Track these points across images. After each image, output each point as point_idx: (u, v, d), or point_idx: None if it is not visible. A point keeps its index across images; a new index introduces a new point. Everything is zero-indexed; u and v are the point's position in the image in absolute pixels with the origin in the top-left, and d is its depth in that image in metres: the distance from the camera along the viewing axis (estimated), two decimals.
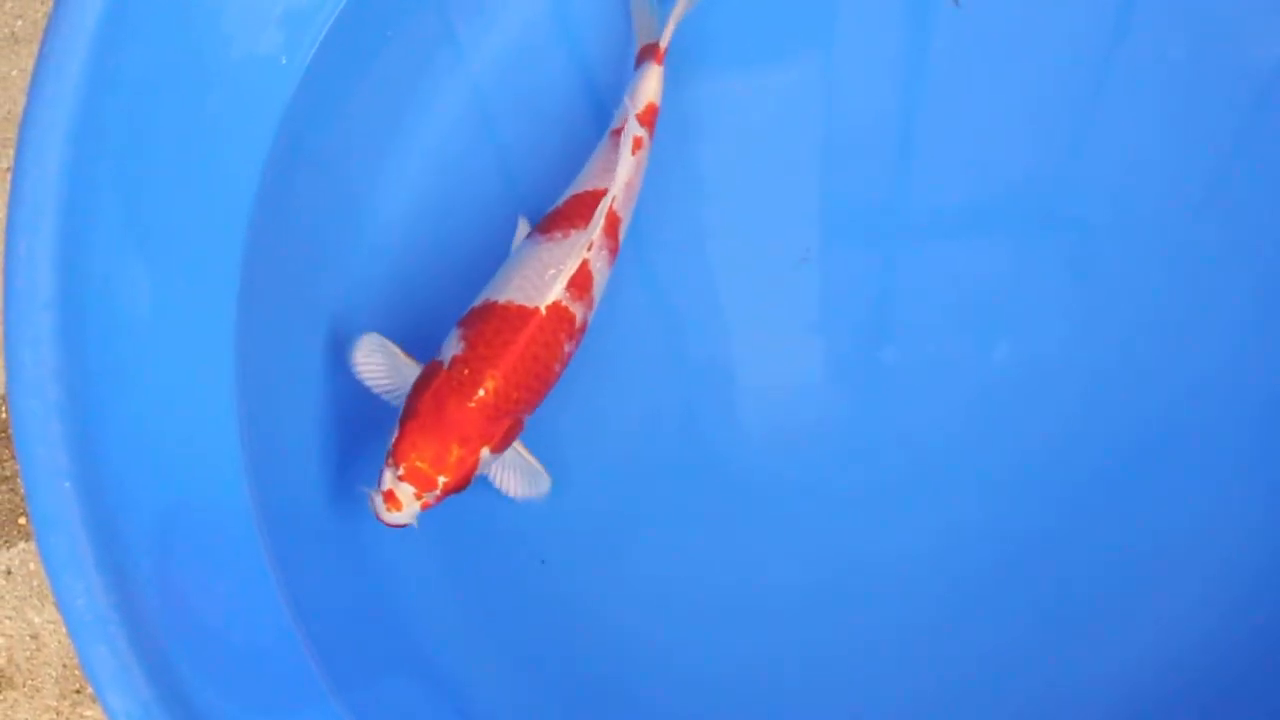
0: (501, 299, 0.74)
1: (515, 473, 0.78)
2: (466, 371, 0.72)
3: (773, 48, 0.88)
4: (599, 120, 0.85)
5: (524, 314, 0.73)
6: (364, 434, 0.84)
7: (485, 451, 0.73)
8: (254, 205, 0.82)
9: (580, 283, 0.75)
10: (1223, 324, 0.85)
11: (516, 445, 0.77)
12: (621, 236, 0.79)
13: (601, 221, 0.76)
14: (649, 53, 0.82)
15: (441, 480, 0.72)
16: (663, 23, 0.82)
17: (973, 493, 0.84)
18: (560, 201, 0.79)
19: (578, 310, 0.76)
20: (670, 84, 0.83)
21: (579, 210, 0.77)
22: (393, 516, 0.72)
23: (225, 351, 0.80)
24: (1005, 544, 0.84)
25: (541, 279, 0.74)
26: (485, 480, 0.79)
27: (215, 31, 0.79)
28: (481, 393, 0.72)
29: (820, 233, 0.87)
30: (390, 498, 0.71)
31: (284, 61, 0.82)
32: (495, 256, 0.81)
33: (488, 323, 0.74)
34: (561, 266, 0.75)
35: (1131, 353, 0.85)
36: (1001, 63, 0.86)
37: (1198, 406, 0.84)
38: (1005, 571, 0.83)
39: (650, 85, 0.81)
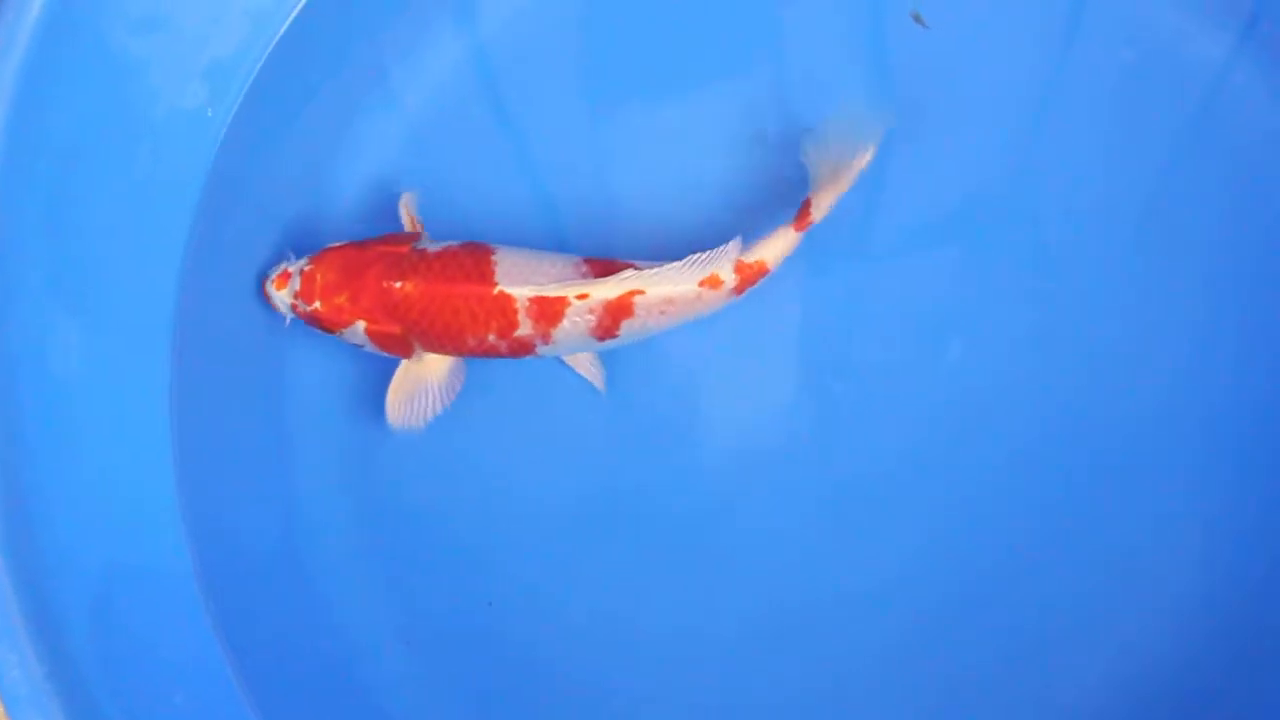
0: (494, 256, 0.77)
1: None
2: (409, 268, 0.77)
3: (720, 66, 0.87)
4: (527, 158, 0.86)
5: (482, 276, 0.76)
6: (308, 483, 0.83)
7: (360, 325, 0.77)
8: (185, 258, 0.81)
9: (545, 314, 0.76)
10: (1177, 336, 0.85)
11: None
12: (624, 335, 0.78)
13: (607, 292, 0.76)
14: (799, 215, 0.78)
15: (316, 305, 0.78)
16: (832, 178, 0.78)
17: (924, 521, 0.84)
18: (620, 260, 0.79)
19: (525, 325, 0.77)
20: (604, 110, 0.84)
21: (612, 270, 0.77)
22: (270, 289, 0.79)
23: (160, 408, 0.80)
24: (963, 572, 0.83)
25: (520, 273, 0.77)
26: (432, 520, 0.81)
27: (140, 88, 0.79)
28: (400, 286, 0.76)
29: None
30: (283, 279, 0.79)
31: (210, 114, 0.81)
32: None
33: (459, 259, 0.77)
34: (541, 284, 0.76)
35: (1089, 367, 0.85)
36: (955, 81, 0.87)
37: (1154, 422, 0.84)
38: (960, 603, 0.83)
39: (775, 247, 0.77)
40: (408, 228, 0.81)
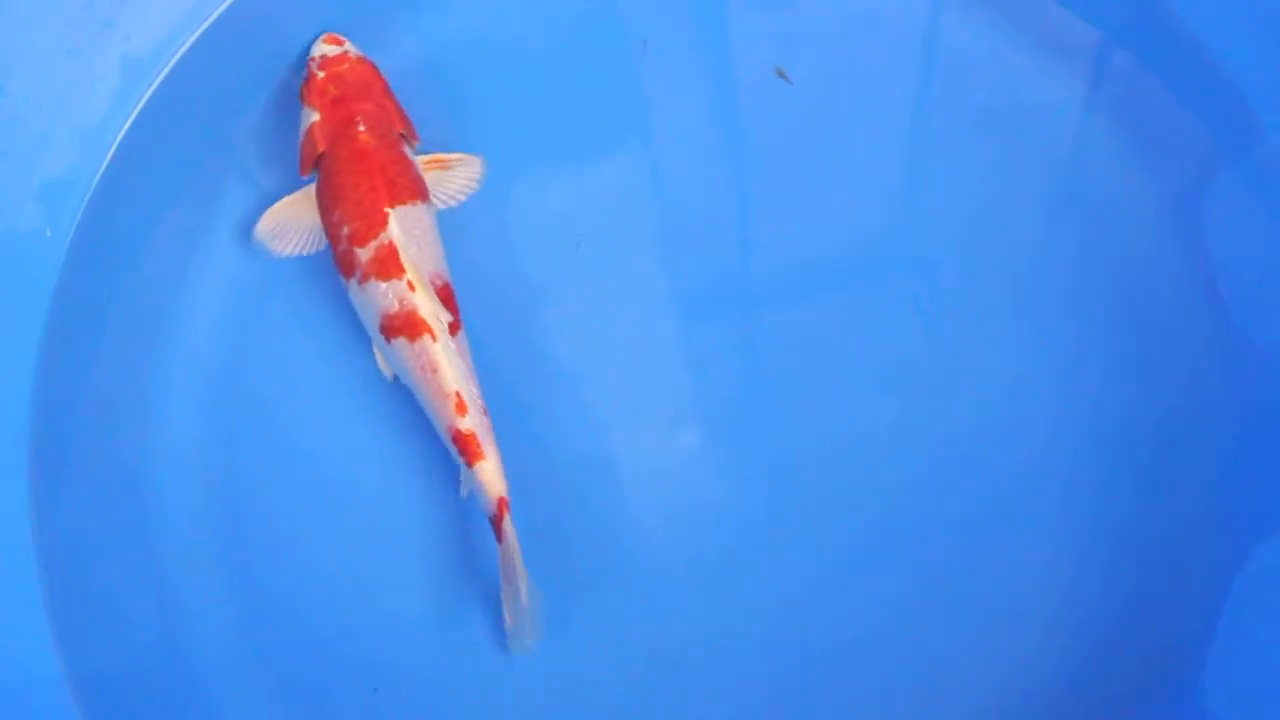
0: (419, 204, 0.83)
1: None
2: (381, 132, 0.84)
3: (597, 139, 0.90)
4: None
5: (396, 193, 0.82)
6: (180, 581, 0.83)
7: (315, 116, 0.84)
8: (36, 379, 0.82)
9: (383, 266, 0.80)
10: (1070, 365, 0.86)
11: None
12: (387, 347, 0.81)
13: (422, 307, 0.79)
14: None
15: (320, 72, 0.85)
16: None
17: (813, 565, 0.83)
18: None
19: (366, 252, 0.80)
20: (494, 184, 0.87)
21: (446, 303, 0.81)
22: (325, 43, 0.87)
23: (21, 525, 0.80)
24: (853, 615, 0.82)
25: (411, 227, 0.81)
26: (309, 607, 0.80)
27: None
28: (361, 129, 0.83)
29: (662, 316, 0.87)
30: (336, 41, 0.87)
31: (49, 234, 0.83)
32: (294, 393, 0.84)
33: (405, 173, 0.83)
34: (411, 249, 0.80)
35: (982, 408, 0.85)
36: (825, 130, 0.89)
37: (1046, 460, 0.84)
38: (841, 651, 0.82)
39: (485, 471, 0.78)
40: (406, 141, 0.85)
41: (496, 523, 0.77)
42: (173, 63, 0.87)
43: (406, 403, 0.82)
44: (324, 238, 0.84)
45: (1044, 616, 0.82)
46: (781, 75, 0.89)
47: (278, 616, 0.83)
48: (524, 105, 0.90)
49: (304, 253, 0.84)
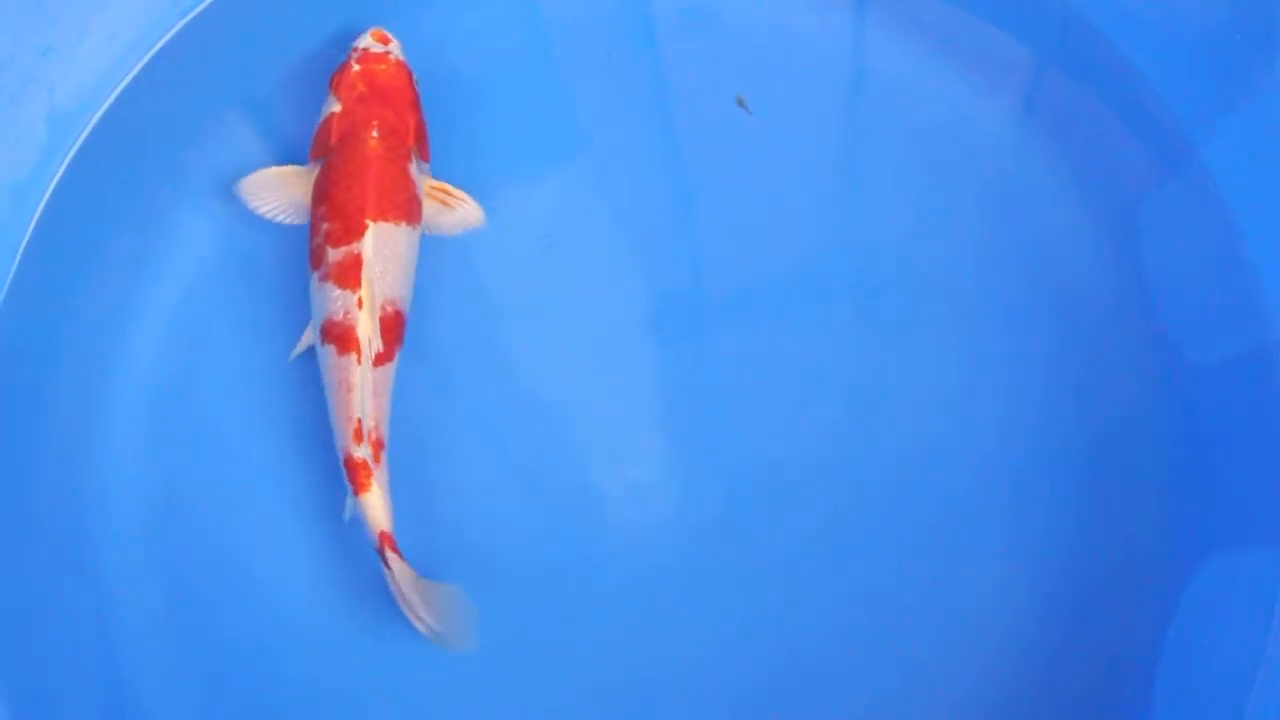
0: (406, 225, 0.83)
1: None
2: (392, 144, 0.84)
3: (558, 155, 0.90)
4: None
5: (384, 208, 0.82)
6: (121, 608, 0.83)
7: (337, 106, 0.84)
8: None
9: (343, 274, 0.81)
10: (1008, 382, 0.86)
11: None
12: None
13: (361, 323, 0.80)
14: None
15: (356, 66, 0.85)
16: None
17: (763, 579, 0.83)
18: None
19: (333, 255, 0.81)
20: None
21: (388, 330, 0.81)
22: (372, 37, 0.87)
23: None
24: (802, 630, 0.82)
25: (384, 247, 0.81)
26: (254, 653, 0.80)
27: None
28: (374, 135, 0.84)
29: (616, 330, 0.88)
30: (385, 39, 0.87)
31: None
32: (239, 421, 0.84)
33: (400, 183, 0.83)
34: (373, 264, 0.81)
35: (924, 425, 0.85)
36: (772, 152, 0.89)
37: (988, 475, 0.85)
38: (799, 665, 0.82)
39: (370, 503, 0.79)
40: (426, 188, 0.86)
41: (381, 555, 0.78)
42: (100, 113, 0.87)
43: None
44: (300, 214, 0.85)
45: (993, 632, 0.82)
46: (742, 104, 0.90)
47: (222, 660, 0.83)
48: (489, 112, 0.91)
49: (276, 219, 0.85)
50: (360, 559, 0.82)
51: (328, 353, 0.80)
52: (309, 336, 0.83)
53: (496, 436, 0.85)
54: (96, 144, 0.87)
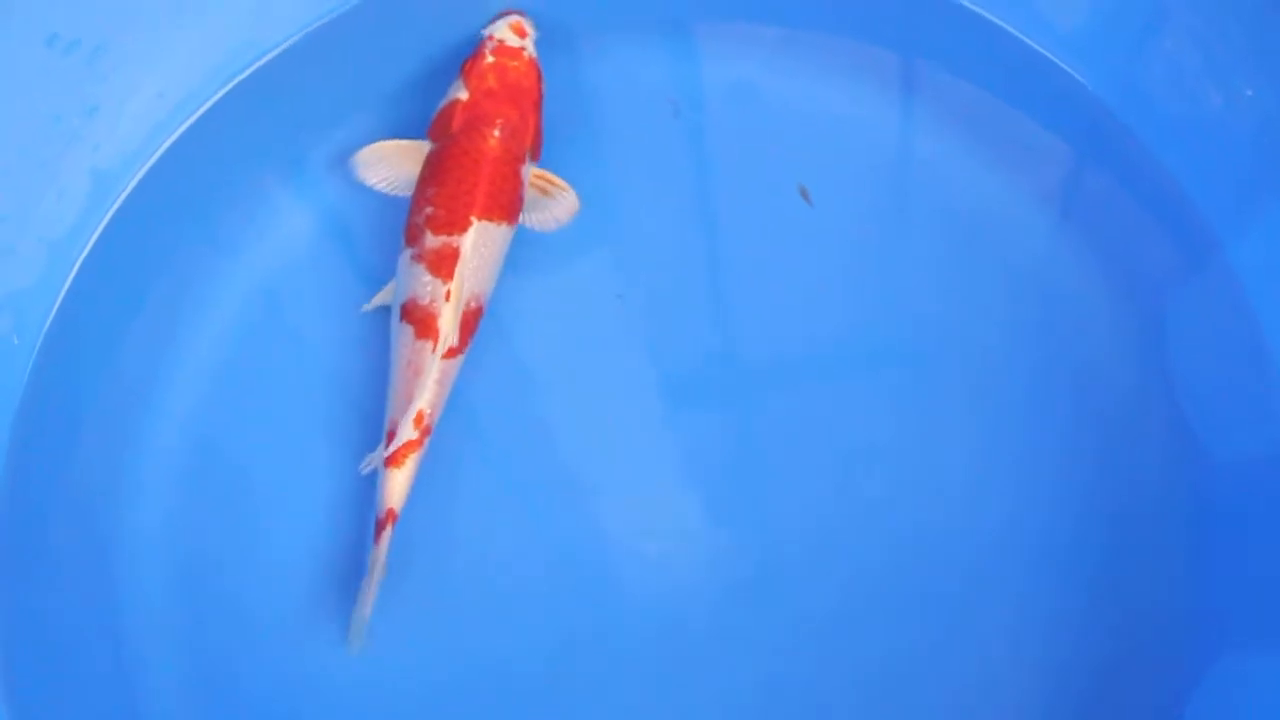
0: (504, 225, 0.85)
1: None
2: (510, 146, 0.85)
3: (600, 218, 0.91)
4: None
5: (492, 207, 0.83)
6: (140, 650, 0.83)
7: (464, 92, 0.85)
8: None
9: (441, 260, 0.82)
10: (1027, 466, 0.87)
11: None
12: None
13: (445, 322, 0.81)
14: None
15: (490, 58, 0.86)
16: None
17: (789, 638, 0.84)
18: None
19: (433, 240, 0.82)
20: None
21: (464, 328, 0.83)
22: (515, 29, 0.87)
23: None
24: (824, 687, 0.84)
25: (483, 246, 0.83)
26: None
27: None
28: (495, 131, 0.84)
29: (658, 393, 0.89)
30: (523, 31, 0.87)
31: (16, 341, 0.84)
32: (264, 481, 0.85)
33: (506, 187, 0.84)
34: (465, 262, 0.82)
35: (944, 500, 0.87)
36: (809, 229, 0.91)
37: (1001, 555, 0.86)
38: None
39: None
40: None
41: (378, 528, 0.80)
42: (142, 174, 0.88)
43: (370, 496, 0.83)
44: (408, 188, 0.85)
45: (1008, 702, 0.83)
46: (804, 195, 0.91)
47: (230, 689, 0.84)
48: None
49: (387, 190, 0.86)
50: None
51: (404, 331, 0.82)
52: (385, 297, 0.84)
53: (523, 489, 0.86)
54: (137, 203, 0.88)
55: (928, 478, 0.87)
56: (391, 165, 0.86)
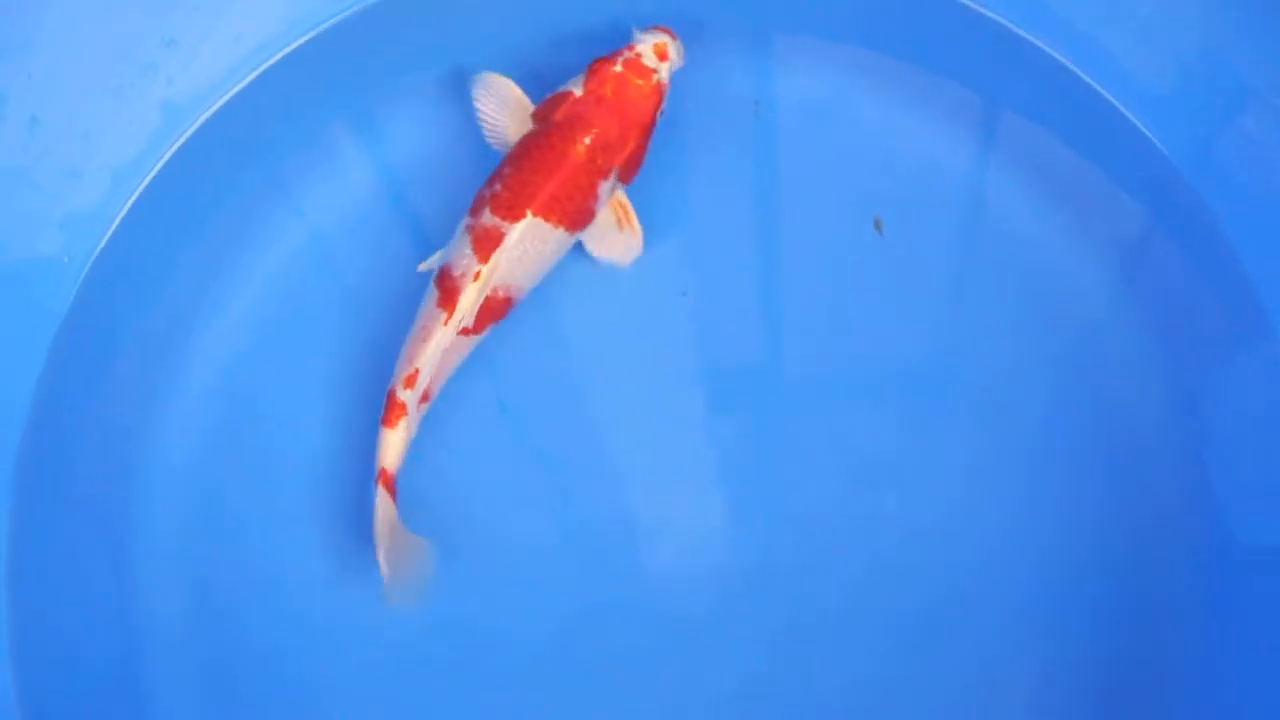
0: (566, 229, 0.84)
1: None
2: (598, 155, 0.83)
3: (666, 221, 0.91)
4: None
5: (550, 203, 0.83)
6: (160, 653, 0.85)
7: (578, 91, 0.84)
8: (35, 397, 0.84)
9: (482, 241, 0.82)
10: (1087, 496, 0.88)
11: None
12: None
13: (468, 298, 0.81)
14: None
15: (620, 67, 0.84)
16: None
17: (791, 635, 0.86)
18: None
19: (489, 217, 0.82)
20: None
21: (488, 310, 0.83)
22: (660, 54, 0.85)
23: None
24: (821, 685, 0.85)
25: (529, 242, 0.83)
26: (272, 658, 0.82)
27: None
28: (590, 139, 0.83)
29: (692, 388, 0.89)
30: (665, 54, 0.85)
31: (66, 260, 0.85)
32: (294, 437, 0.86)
33: (574, 188, 0.83)
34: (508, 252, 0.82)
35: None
36: (882, 256, 0.91)
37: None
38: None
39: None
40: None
41: (374, 484, 0.81)
42: (211, 112, 0.88)
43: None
44: (497, 140, 0.86)
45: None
46: (877, 226, 0.91)
47: (240, 659, 0.85)
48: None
49: (485, 127, 0.86)
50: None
51: (431, 293, 0.83)
52: (441, 258, 0.84)
53: (547, 461, 0.87)
54: (202, 140, 0.88)
55: (975, 511, 0.87)
56: (502, 107, 0.85)
